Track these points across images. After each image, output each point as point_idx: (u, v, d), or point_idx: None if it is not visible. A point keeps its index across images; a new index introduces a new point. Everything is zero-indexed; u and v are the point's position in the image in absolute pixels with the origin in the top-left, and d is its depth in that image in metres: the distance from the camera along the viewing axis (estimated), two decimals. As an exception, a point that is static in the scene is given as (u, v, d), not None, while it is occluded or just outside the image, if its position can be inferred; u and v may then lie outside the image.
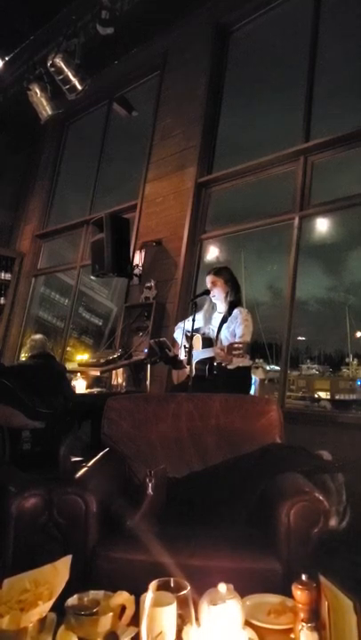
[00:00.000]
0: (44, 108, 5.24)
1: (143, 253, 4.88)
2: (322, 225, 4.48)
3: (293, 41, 4.61)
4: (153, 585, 1.05)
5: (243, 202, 5.06)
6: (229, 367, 3.01)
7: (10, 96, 5.87)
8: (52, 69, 4.75)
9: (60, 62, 4.68)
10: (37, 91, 5.20)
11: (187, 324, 3.18)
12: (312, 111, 4.23)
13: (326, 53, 4.32)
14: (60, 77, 4.74)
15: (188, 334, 3.07)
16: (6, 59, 5.62)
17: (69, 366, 5.00)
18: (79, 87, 4.73)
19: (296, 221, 4.02)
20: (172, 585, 1.06)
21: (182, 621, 1.03)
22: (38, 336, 4.11)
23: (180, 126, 5.05)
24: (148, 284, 4.69)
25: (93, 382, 4.85)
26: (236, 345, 2.72)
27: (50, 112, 5.24)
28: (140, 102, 5.89)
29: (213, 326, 3.34)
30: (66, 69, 4.69)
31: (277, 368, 5.19)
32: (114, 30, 4.46)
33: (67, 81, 4.73)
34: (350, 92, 4.17)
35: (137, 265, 4.88)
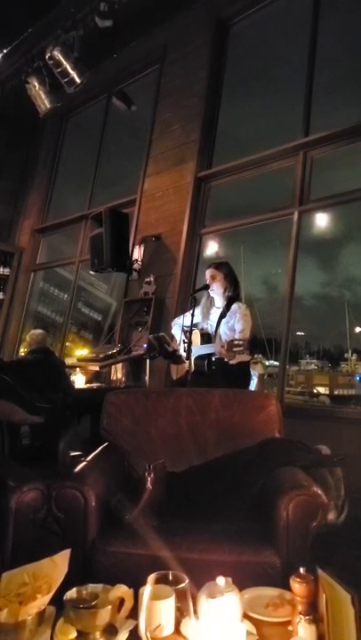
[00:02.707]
0: (43, 101, 5.21)
1: (142, 248, 4.87)
2: (321, 220, 4.47)
3: (293, 35, 4.58)
4: (151, 578, 1.06)
5: (242, 197, 5.05)
6: (231, 362, 3.01)
7: (8, 90, 5.83)
8: (51, 62, 4.72)
9: (58, 55, 4.65)
10: (36, 84, 5.17)
11: (185, 320, 3.18)
12: (312, 106, 4.21)
13: (326, 47, 4.29)
14: (59, 70, 4.71)
15: (187, 329, 3.07)
16: (4, 51, 5.58)
17: (69, 361, 5.00)
18: (78, 80, 4.70)
19: (295, 216, 4.01)
20: (170, 578, 1.06)
21: (181, 614, 1.04)
22: (38, 331, 4.10)
23: (180, 121, 5.02)
24: (148, 279, 4.68)
25: (93, 377, 4.85)
26: (236, 342, 2.73)
27: (48, 105, 5.21)
28: (140, 96, 5.85)
29: (212, 321, 3.33)
30: (64, 62, 4.66)
31: (276, 363, 5.19)
32: (113, 23, 4.43)
33: (65, 74, 4.70)
34: (350, 86, 4.15)
35: (136, 260, 4.87)
